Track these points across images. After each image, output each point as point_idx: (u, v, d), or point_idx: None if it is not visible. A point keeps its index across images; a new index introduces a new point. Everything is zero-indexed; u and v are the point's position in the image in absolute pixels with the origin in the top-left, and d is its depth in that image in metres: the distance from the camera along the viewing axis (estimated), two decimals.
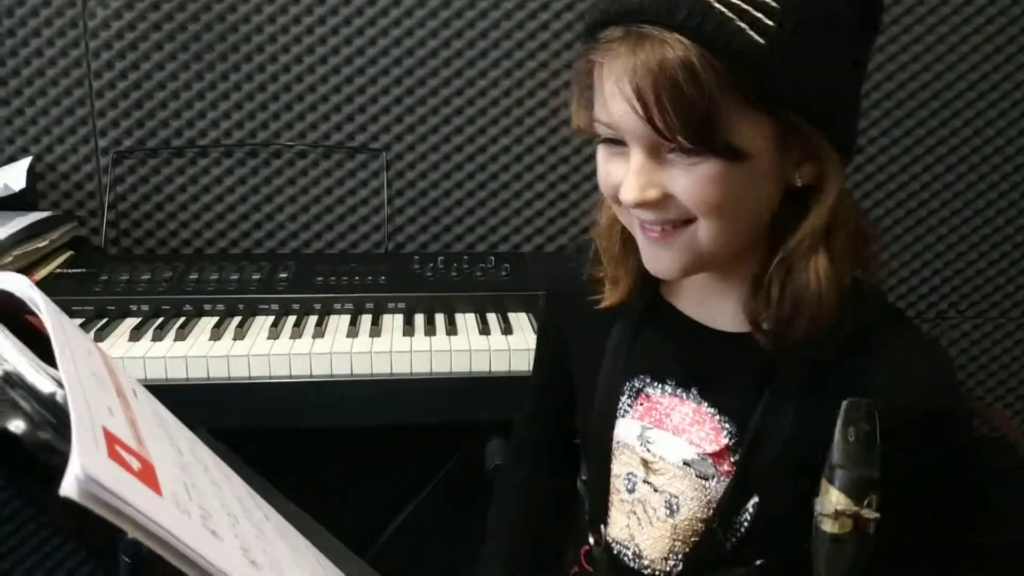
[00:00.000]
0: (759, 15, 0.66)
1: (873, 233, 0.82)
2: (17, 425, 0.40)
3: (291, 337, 1.37)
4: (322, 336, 1.38)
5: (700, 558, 0.85)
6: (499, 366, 1.35)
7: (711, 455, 0.84)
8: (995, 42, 1.78)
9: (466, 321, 1.46)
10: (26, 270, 1.51)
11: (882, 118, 1.79)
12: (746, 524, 0.82)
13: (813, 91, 0.70)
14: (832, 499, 0.67)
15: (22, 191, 1.60)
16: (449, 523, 1.68)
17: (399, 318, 1.46)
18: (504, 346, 1.35)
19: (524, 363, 1.34)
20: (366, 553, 1.65)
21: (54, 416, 0.45)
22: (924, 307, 1.90)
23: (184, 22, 1.66)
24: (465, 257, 1.66)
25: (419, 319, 1.45)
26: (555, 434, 1.07)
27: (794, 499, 0.78)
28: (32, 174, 1.66)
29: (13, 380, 0.43)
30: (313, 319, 1.44)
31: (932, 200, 1.85)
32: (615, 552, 0.92)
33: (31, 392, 0.45)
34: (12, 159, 1.67)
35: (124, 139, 1.70)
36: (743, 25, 0.66)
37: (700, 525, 0.85)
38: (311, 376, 1.32)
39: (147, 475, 0.40)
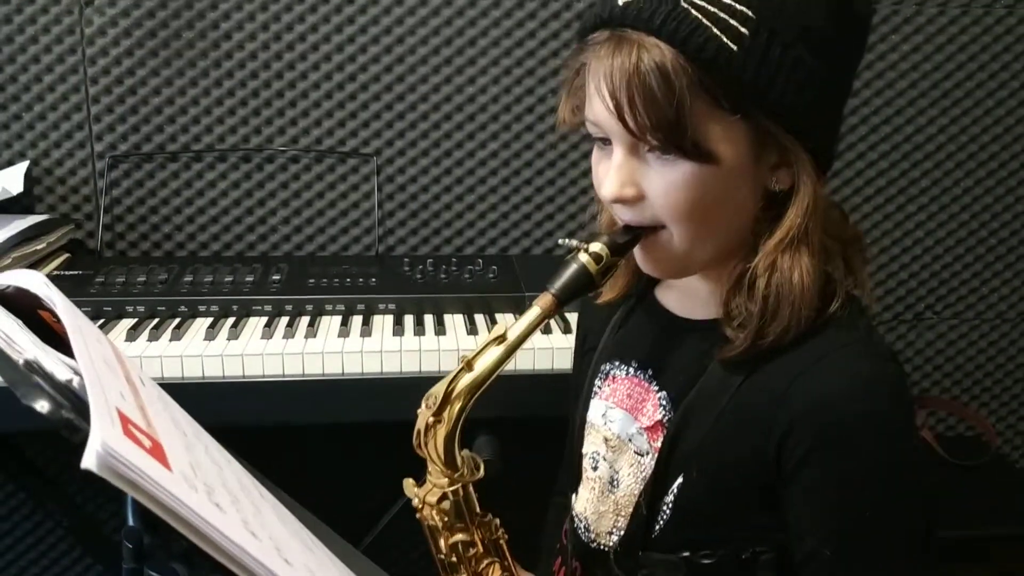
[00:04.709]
0: (734, 23, 0.70)
1: (855, 235, 0.84)
2: (43, 405, 0.44)
3: (284, 337, 1.40)
4: (314, 336, 1.41)
5: (631, 536, 0.88)
6: None
7: (647, 429, 0.88)
8: (956, 42, 1.83)
9: (454, 322, 1.49)
10: None
11: (859, 124, 1.83)
12: (670, 505, 0.83)
13: (785, 98, 0.72)
14: None
15: (19, 194, 1.63)
16: None
17: (389, 319, 1.50)
18: None
19: (510, 363, 1.37)
20: (356, 549, 1.68)
21: (70, 402, 0.49)
22: (901, 309, 1.95)
23: (179, 29, 1.69)
24: (454, 260, 1.70)
25: (408, 320, 1.49)
26: None
27: (715, 493, 0.81)
28: (29, 178, 1.69)
29: (33, 367, 0.47)
30: (305, 320, 1.47)
31: (909, 204, 1.89)
32: (575, 525, 0.97)
33: (49, 380, 0.48)
34: (10, 163, 1.70)
35: (120, 144, 1.74)
36: (717, 32, 0.69)
37: (635, 501, 0.88)
38: (303, 375, 1.36)
39: (157, 452, 0.44)
